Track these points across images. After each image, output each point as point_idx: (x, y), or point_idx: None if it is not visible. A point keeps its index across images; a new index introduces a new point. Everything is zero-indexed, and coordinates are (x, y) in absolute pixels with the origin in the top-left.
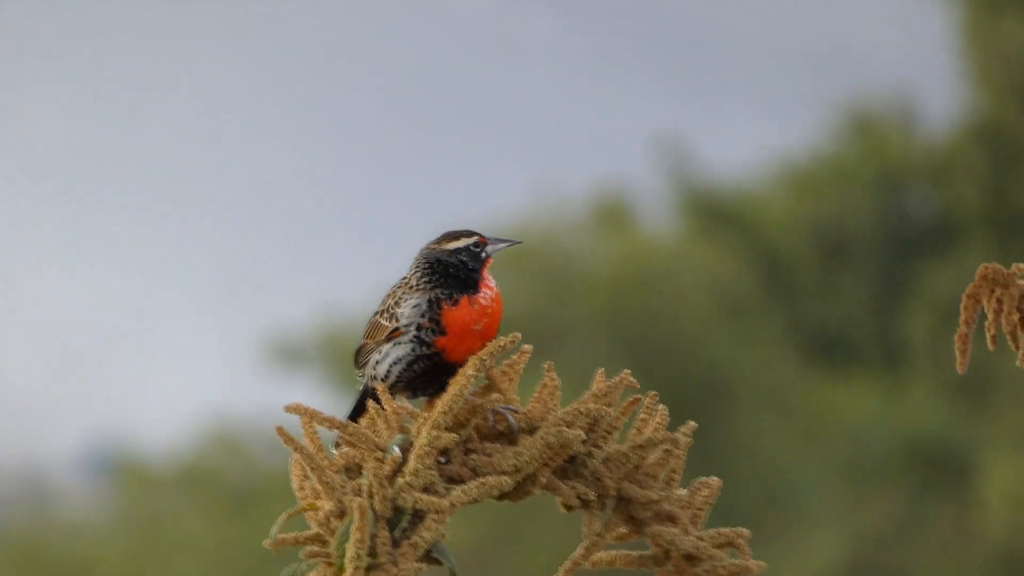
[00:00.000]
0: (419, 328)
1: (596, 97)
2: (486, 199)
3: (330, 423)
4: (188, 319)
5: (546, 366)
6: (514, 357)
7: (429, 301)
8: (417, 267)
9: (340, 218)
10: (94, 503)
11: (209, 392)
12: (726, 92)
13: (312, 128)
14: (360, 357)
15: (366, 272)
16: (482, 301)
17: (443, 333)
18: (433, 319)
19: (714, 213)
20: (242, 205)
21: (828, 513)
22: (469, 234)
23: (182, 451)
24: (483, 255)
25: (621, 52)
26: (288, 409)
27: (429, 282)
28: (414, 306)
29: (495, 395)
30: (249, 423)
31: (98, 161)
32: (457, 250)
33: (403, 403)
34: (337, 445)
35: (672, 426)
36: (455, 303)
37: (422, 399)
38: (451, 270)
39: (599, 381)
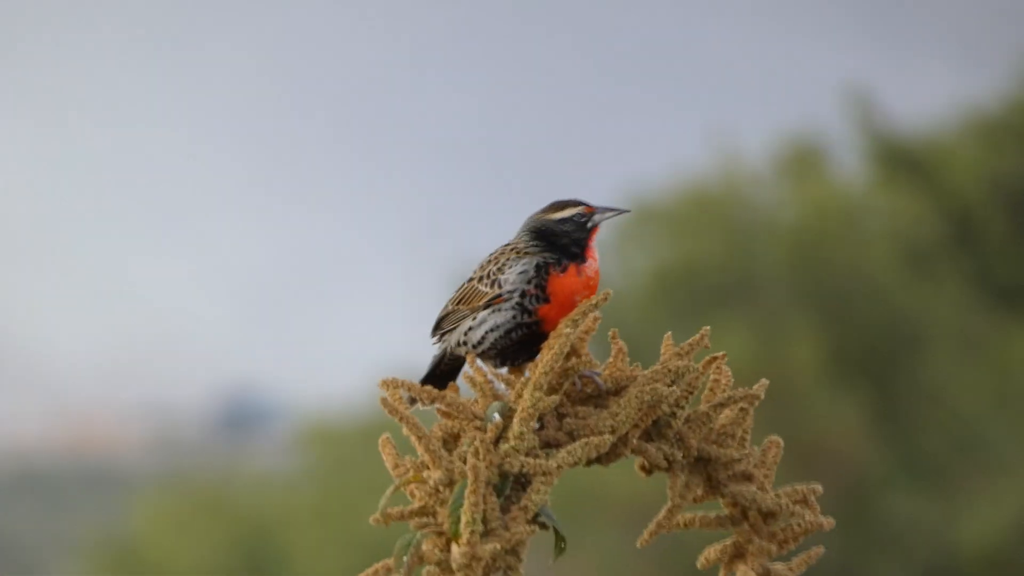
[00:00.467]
0: (523, 295)
1: (785, 45)
2: (669, 149)
3: (427, 395)
4: (374, 268)
5: (612, 333)
6: (588, 322)
7: (537, 266)
8: (524, 234)
9: (524, 168)
10: (283, 453)
11: (394, 343)
12: (916, 41)
13: (498, 80)
14: (445, 323)
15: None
16: (588, 272)
17: (547, 301)
18: (539, 285)
19: (902, 162)
20: (429, 154)
21: (1018, 464)
22: (576, 203)
23: (369, 401)
24: (589, 225)
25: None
26: (382, 385)
27: (537, 247)
28: (520, 272)
29: (579, 359)
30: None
31: (286, 108)
32: (564, 220)
33: (492, 371)
34: (413, 403)
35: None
36: (563, 269)
37: (504, 370)
38: (558, 239)
39: (668, 345)
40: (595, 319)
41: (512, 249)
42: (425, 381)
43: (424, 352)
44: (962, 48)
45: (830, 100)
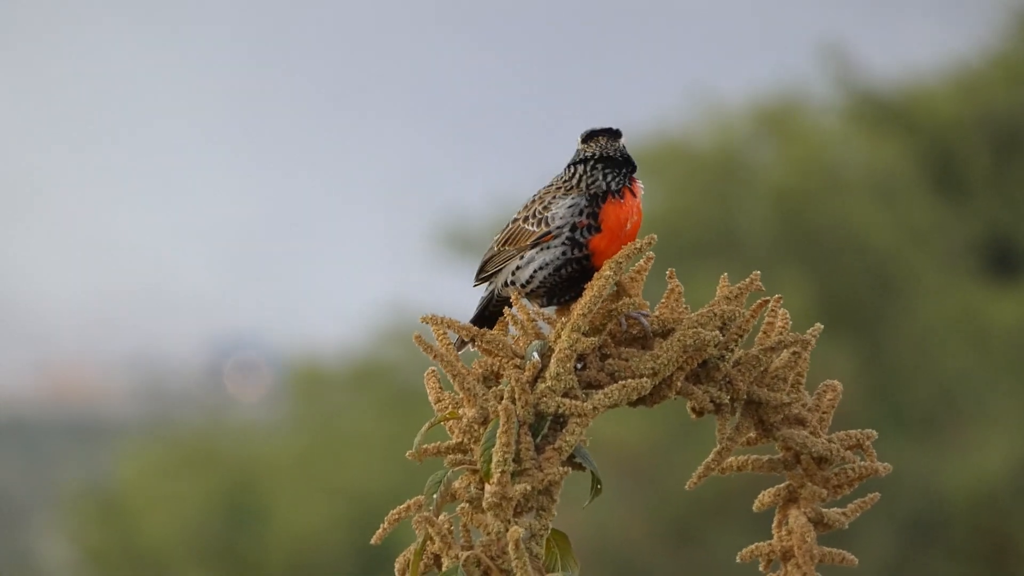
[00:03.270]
0: (573, 228)
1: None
2: (650, 103)
3: (467, 331)
4: (360, 215)
5: (669, 273)
6: (641, 263)
7: (591, 197)
8: (574, 164)
9: (503, 122)
10: (270, 402)
11: (383, 287)
12: None
13: (480, 31)
14: (490, 265)
15: (538, 165)
16: (639, 195)
17: (599, 230)
18: (592, 215)
19: (880, 114)
20: (411, 107)
21: (1003, 411)
22: (618, 132)
23: (356, 348)
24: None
25: None
26: (424, 319)
27: (591, 179)
28: (570, 206)
29: (626, 300)
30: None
31: (267, 64)
32: (610, 143)
33: (536, 310)
34: (463, 345)
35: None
36: (622, 197)
37: (550, 309)
38: (608, 164)
39: (724, 285)
40: (649, 259)
41: (559, 185)
42: (475, 321)
43: (411, 298)
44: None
45: (809, 54)
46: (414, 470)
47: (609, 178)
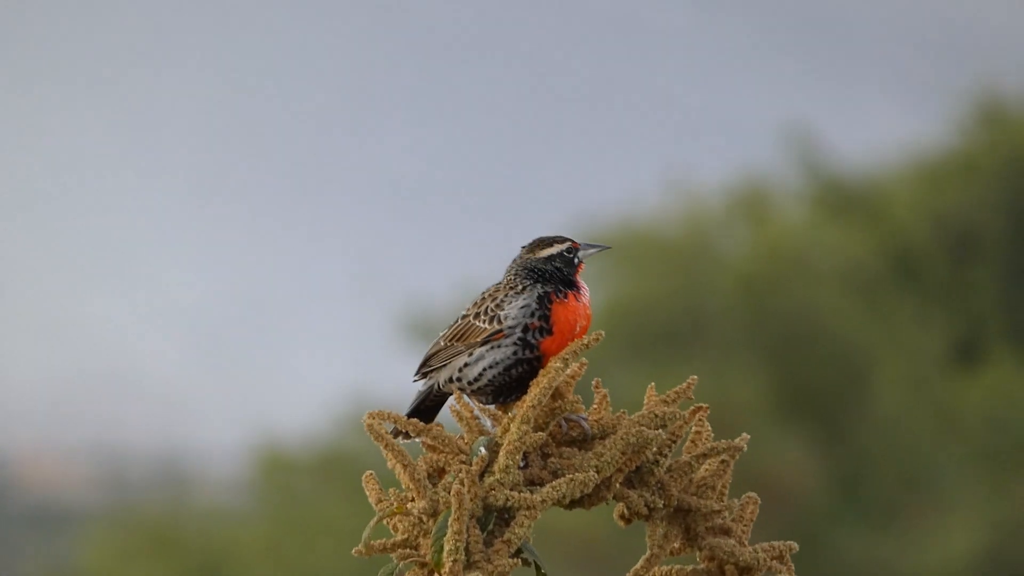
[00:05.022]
0: (526, 329)
1: (727, 86)
2: (618, 186)
3: (414, 427)
4: (324, 301)
5: (595, 383)
6: (574, 368)
7: (539, 297)
8: (516, 273)
9: (472, 205)
10: (234, 489)
11: (346, 376)
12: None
13: (446, 115)
14: (435, 360)
15: (503, 251)
16: (584, 299)
17: (550, 332)
18: (543, 317)
19: (845, 202)
20: (376, 192)
21: (966, 499)
22: (562, 240)
23: (320, 436)
24: (576, 260)
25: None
26: (369, 417)
27: (533, 283)
28: (522, 307)
29: (567, 400)
30: (386, 405)
31: (230, 151)
32: (551, 256)
33: (481, 406)
34: (398, 435)
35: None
36: (564, 296)
37: (491, 407)
38: (548, 276)
39: (652, 395)
40: (582, 364)
41: (507, 286)
42: (410, 416)
43: (374, 386)
44: (904, 90)
45: (776, 140)
46: (379, 558)
47: (544, 283)
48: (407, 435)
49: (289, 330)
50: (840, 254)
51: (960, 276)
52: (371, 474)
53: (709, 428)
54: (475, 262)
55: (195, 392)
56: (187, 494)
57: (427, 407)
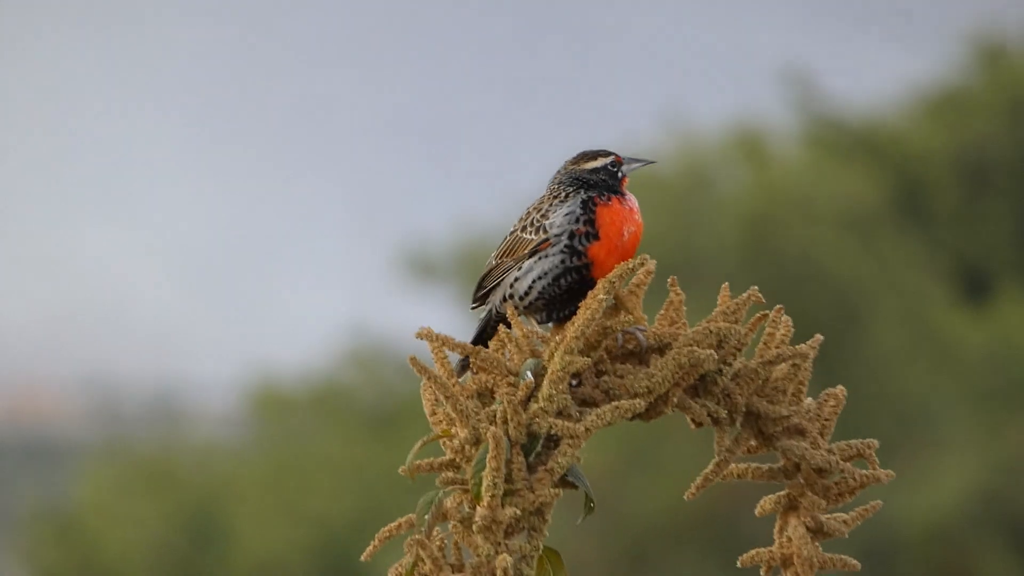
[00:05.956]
0: (572, 236)
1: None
2: (619, 123)
3: (461, 348)
4: (320, 239)
5: (671, 281)
6: (640, 275)
7: (583, 202)
8: (559, 183)
9: (472, 138)
10: (229, 424)
11: (343, 311)
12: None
13: (443, 53)
14: (488, 280)
15: (502, 190)
16: (631, 203)
17: (596, 237)
18: (588, 221)
19: (846, 142)
20: (372, 126)
21: (961, 440)
22: (606, 154)
23: (317, 372)
24: (620, 174)
25: None
26: (419, 335)
27: (576, 191)
28: (566, 214)
29: (623, 315)
30: (384, 341)
31: (227, 87)
32: (596, 169)
33: (533, 327)
34: (465, 369)
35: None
36: (608, 200)
37: (547, 326)
38: (592, 184)
39: (724, 298)
40: (648, 272)
41: (551, 195)
42: (476, 339)
43: (371, 321)
44: (904, 30)
45: (773, 82)
46: (378, 494)
47: (589, 189)
48: (463, 368)
49: (285, 265)
50: (839, 193)
51: (964, 212)
52: (424, 375)
53: (787, 326)
54: (472, 198)
55: (190, 327)
56: (181, 429)
57: (489, 335)
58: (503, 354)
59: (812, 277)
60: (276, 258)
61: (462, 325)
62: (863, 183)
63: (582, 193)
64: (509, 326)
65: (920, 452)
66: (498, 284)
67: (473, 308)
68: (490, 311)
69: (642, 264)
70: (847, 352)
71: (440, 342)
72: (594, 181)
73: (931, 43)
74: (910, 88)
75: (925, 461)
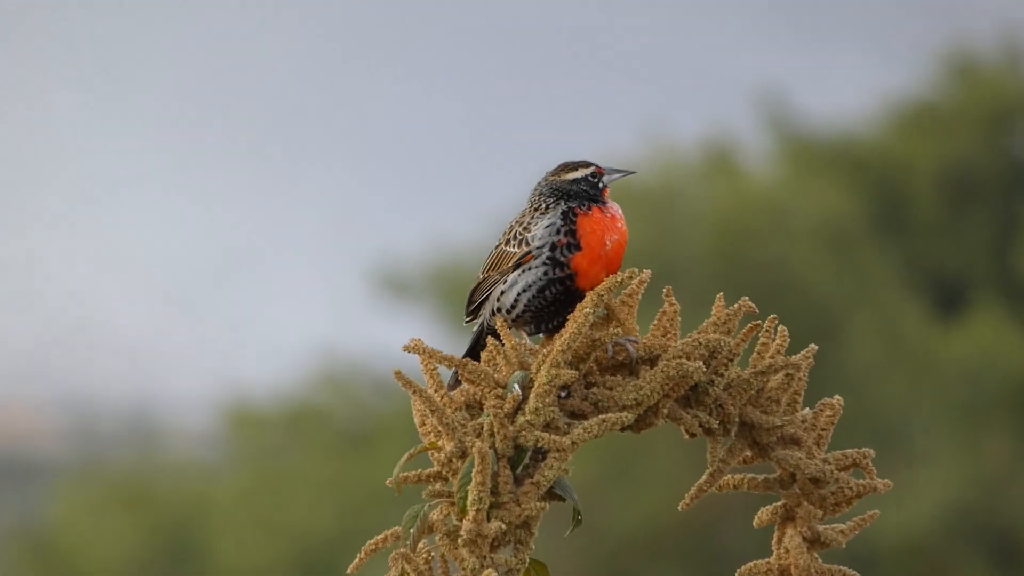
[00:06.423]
0: (553, 248)
1: (702, 41)
2: (595, 138)
3: (449, 361)
4: (295, 257)
5: (666, 291)
6: (632, 286)
7: (563, 213)
8: (540, 194)
9: (448, 156)
10: (205, 443)
11: (318, 328)
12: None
13: (419, 70)
14: (477, 295)
15: (476, 207)
16: (613, 211)
17: (578, 248)
18: (569, 232)
19: (822, 157)
20: (347, 145)
21: (938, 453)
22: (587, 164)
23: (290, 392)
24: (601, 185)
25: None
26: (407, 348)
27: (556, 202)
28: (547, 226)
29: (613, 327)
30: (358, 359)
31: (203, 102)
32: (577, 180)
33: (522, 339)
34: (457, 384)
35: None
36: (588, 209)
37: (538, 337)
38: (573, 195)
39: (718, 308)
40: (641, 282)
41: (533, 208)
42: (469, 353)
43: (345, 341)
44: (877, 45)
45: (747, 99)
46: (354, 511)
47: (574, 202)
48: (456, 383)
49: (260, 283)
50: (815, 208)
51: (940, 226)
52: (410, 389)
53: (783, 335)
54: (448, 217)
55: (165, 345)
56: (157, 447)
57: (482, 348)
58: (492, 367)
59: (788, 290)
60: (251, 276)
61: (438, 344)
62: (839, 197)
63: (563, 204)
64: (500, 339)
65: (897, 466)
66: (487, 298)
67: (467, 323)
68: (482, 324)
69: (631, 277)
70: (824, 366)
71: (429, 355)
72: (575, 192)
73: (906, 58)
74: (885, 103)
75: (902, 475)
